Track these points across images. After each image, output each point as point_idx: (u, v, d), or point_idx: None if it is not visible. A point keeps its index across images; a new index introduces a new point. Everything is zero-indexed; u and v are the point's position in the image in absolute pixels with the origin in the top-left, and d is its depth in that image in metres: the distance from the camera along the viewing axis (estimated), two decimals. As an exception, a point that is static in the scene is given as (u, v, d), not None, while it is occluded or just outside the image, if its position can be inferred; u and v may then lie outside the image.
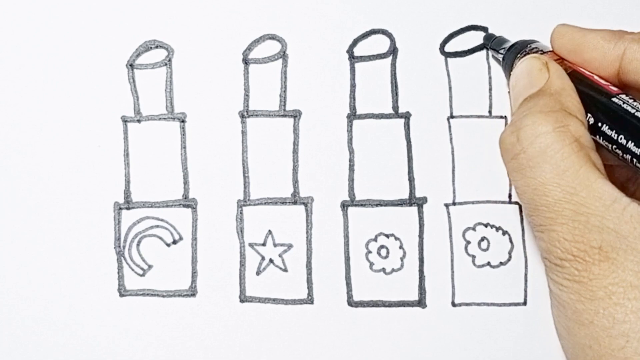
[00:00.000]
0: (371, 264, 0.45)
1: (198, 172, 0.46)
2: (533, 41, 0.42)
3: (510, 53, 0.42)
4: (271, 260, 0.45)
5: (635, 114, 0.36)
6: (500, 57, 0.44)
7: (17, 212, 0.45)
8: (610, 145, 0.36)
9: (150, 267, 0.45)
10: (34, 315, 0.45)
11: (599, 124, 0.37)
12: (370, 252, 0.45)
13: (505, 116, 0.45)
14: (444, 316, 0.44)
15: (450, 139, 0.45)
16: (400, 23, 0.46)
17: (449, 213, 0.45)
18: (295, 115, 0.46)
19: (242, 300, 0.45)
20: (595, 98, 0.37)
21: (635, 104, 0.36)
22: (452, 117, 0.45)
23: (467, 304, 0.44)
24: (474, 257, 0.45)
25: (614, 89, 0.38)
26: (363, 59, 0.46)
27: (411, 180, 0.45)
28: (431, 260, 0.45)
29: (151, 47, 0.46)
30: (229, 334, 0.45)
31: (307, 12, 0.46)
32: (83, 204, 0.45)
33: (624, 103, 0.36)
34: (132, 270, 0.45)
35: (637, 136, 0.35)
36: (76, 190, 0.45)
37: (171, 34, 0.46)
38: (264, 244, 0.45)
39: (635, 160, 0.35)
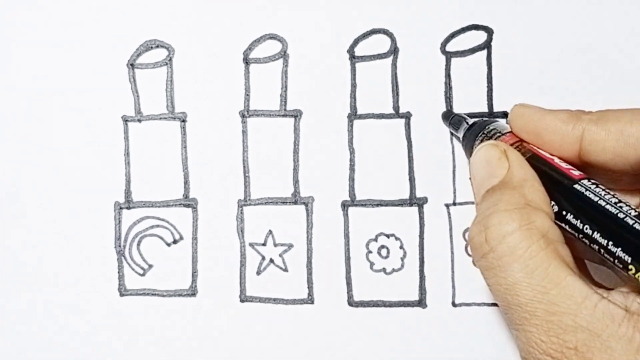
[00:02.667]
0: (371, 264, 0.45)
1: (198, 172, 0.46)
2: (492, 121, 0.41)
3: (469, 134, 0.41)
4: (271, 260, 0.45)
5: (598, 202, 0.34)
6: (459, 135, 0.42)
7: (18, 212, 0.45)
8: (577, 234, 0.35)
9: (150, 266, 0.45)
10: (34, 315, 0.45)
11: (564, 212, 0.35)
12: (370, 252, 0.45)
13: (506, 114, 0.45)
14: (444, 316, 0.44)
15: (451, 139, 0.45)
16: (401, 23, 0.46)
17: (449, 213, 0.45)
18: (296, 115, 0.46)
19: (242, 300, 0.45)
20: (557, 184, 0.36)
21: (598, 190, 0.34)
22: (452, 117, 0.45)
23: (467, 304, 0.44)
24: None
25: (576, 173, 0.36)
26: (364, 58, 0.46)
27: (412, 180, 0.45)
28: (431, 260, 0.45)
29: (152, 47, 0.46)
30: (229, 334, 0.45)
31: (308, 11, 0.46)
32: (83, 203, 0.45)
33: (586, 190, 0.35)
34: (133, 269, 0.45)
35: (602, 227, 0.33)
36: (77, 190, 0.45)
37: (172, 33, 0.46)
38: (264, 244, 0.45)
39: (602, 250, 0.33)
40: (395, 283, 0.45)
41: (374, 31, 0.46)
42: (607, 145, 0.36)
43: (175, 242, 0.46)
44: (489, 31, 0.45)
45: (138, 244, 0.46)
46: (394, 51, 0.46)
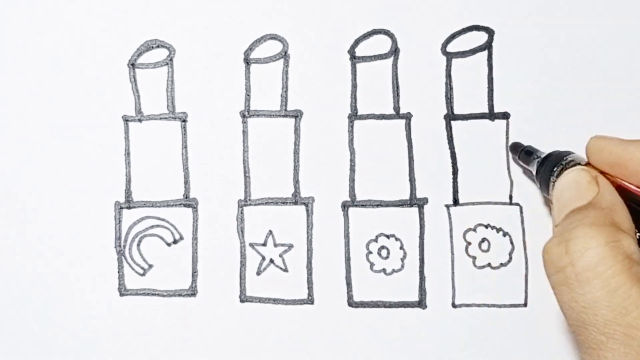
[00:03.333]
0: (372, 265, 0.45)
1: (199, 172, 0.46)
2: (568, 153, 0.40)
3: (545, 166, 0.40)
4: (272, 260, 0.45)
5: None
6: (532, 169, 0.42)
7: (18, 212, 0.45)
8: None
9: (150, 266, 0.45)
10: (34, 315, 0.45)
11: None
12: (370, 252, 0.45)
13: (507, 115, 0.45)
14: (444, 317, 0.44)
15: (451, 139, 0.45)
16: (401, 23, 0.46)
17: (449, 214, 0.45)
18: (297, 115, 0.46)
19: (242, 300, 0.45)
20: None
21: None
22: (453, 118, 0.45)
23: (467, 305, 0.44)
24: (474, 258, 0.45)
25: None
26: (364, 59, 0.46)
27: (412, 181, 0.45)
28: (432, 261, 0.45)
29: (152, 47, 0.46)
30: (229, 334, 0.45)
31: (309, 12, 0.46)
32: (84, 203, 0.45)
33: None
34: (133, 269, 0.45)
35: None
36: (77, 189, 0.45)
37: (172, 33, 0.46)
38: (264, 244, 0.45)
39: None
40: (395, 284, 0.45)
41: (374, 32, 0.46)
42: None
43: (175, 242, 0.46)
44: (490, 32, 0.45)
45: (138, 244, 0.46)
46: (394, 52, 0.46)
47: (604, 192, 0.35)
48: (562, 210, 0.36)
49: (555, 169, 0.39)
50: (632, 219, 0.35)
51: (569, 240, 0.33)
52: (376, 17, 0.46)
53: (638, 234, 0.35)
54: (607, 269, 0.32)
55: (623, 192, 0.36)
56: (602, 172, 0.37)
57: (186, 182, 0.46)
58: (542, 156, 0.41)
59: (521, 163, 0.43)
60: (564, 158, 0.39)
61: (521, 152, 0.43)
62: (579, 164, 0.38)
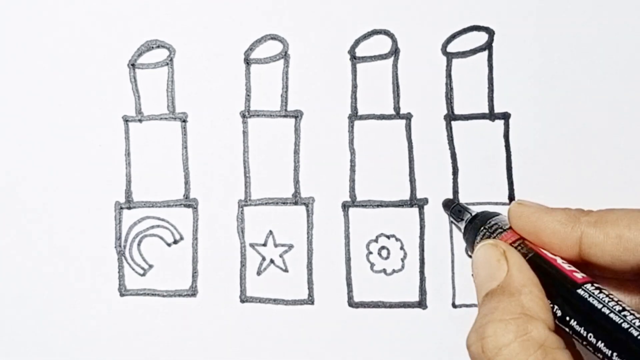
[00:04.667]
0: (372, 265, 0.45)
1: (199, 172, 0.46)
2: (494, 215, 0.40)
3: (471, 228, 0.41)
4: (272, 261, 0.45)
5: (602, 309, 0.33)
6: (460, 226, 0.42)
7: (18, 212, 0.45)
8: (580, 341, 0.34)
9: (150, 266, 0.45)
10: (34, 315, 0.45)
11: (567, 317, 0.34)
12: (371, 252, 0.45)
13: (507, 116, 0.45)
14: (445, 317, 0.44)
15: (452, 140, 0.45)
16: (402, 23, 0.46)
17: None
18: (297, 115, 0.46)
19: (242, 301, 0.45)
20: (560, 287, 0.35)
21: (602, 296, 0.34)
22: (453, 118, 0.45)
23: (467, 306, 0.44)
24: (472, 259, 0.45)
25: (579, 276, 0.35)
26: (365, 59, 0.46)
27: (412, 181, 0.45)
28: (432, 261, 0.45)
29: (153, 47, 0.46)
30: (230, 334, 0.45)
31: (309, 12, 0.46)
32: (84, 203, 0.45)
33: (589, 296, 0.34)
34: (133, 269, 0.45)
35: (606, 336, 0.32)
36: (77, 190, 0.45)
37: (173, 33, 0.46)
38: (264, 244, 0.45)
39: None
40: (395, 284, 0.45)
41: (374, 32, 0.46)
42: (606, 249, 0.35)
43: (175, 242, 0.46)
44: (490, 32, 0.45)
45: (138, 244, 0.46)
46: (394, 52, 0.46)
47: (513, 272, 0.36)
48: (479, 290, 0.37)
49: (479, 232, 0.40)
50: (551, 294, 0.35)
51: (484, 338, 0.34)
52: (376, 17, 0.46)
53: (556, 309, 0.35)
54: None
55: (540, 262, 0.36)
56: (521, 238, 0.38)
57: (186, 183, 0.46)
58: (472, 215, 0.42)
59: (452, 220, 0.44)
60: (488, 222, 0.40)
61: (452, 209, 0.43)
62: (502, 228, 0.39)
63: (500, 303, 0.35)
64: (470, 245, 0.41)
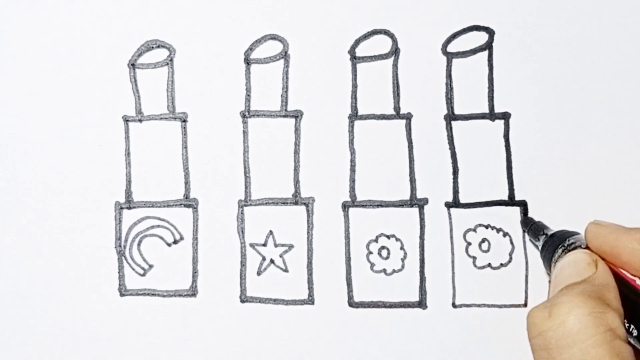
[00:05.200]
0: (372, 265, 0.45)
1: (199, 172, 0.46)
2: (572, 233, 0.40)
3: (549, 245, 0.41)
4: (272, 261, 0.45)
5: None
6: (538, 244, 0.42)
7: (18, 212, 0.45)
8: None
9: (151, 266, 0.45)
10: (34, 315, 0.45)
11: None
12: (371, 252, 0.45)
13: (507, 116, 0.45)
14: (445, 317, 0.44)
15: (452, 140, 0.45)
16: (402, 23, 0.46)
17: (449, 214, 0.45)
18: (297, 115, 0.46)
19: (242, 301, 0.45)
20: (637, 308, 0.34)
21: None
22: (453, 118, 0.45)
23: (467, 305, 0.44)
24: (474, 258, 0.45)
25: None
26: (365, 59, 0.46)
27: (412, 181, 0.45)
28: (432, 261, 0.45)
29: (153, 47, 0.46)
30: (230, 334, 0.45)
31: (309, 12, 0.46)
32: (84, 203, 0.45)
33: None
34: (133, 269, 0.45)
35: None
36: (77, 190, 0.45)
37: (173, 33, 0.46)
38: (264, 244, 0.45)
39: None
40: (395, 284, 0.45)
41: (375, 32, 0.46)
42: None
43: (175, 242, 0.46)
44: (490, 32, 0.45)
45: (138, 244, 0.46)
46: (395, 52, 0.46)
47: (601, 273, 0.35)
48: (557, 286, 0.36)
49: (558, 249, 0.39)
50: (628, 312, 0.34)
51: (554, 305, 0.32)
52: (376, 17, 0.46)
53: (632, 328, 0.34)
54: (588, 338, 0.31)
55: (618, 279, 0.36)
56: (600, 257, 0.37)
57: (186, 183, 0.46)
58: (549, 234, 0.41)
59: (530, 238, 0.44)
60: (567, 239, 0.40)
61: (530, 227, 0.43)
62: (581, 246, 0.39)
63: (581, 286, 0.33)
64: (548, 262, 0.40)
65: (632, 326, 0.34)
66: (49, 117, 0.46)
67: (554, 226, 0.43)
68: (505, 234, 0.45)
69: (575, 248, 0.39)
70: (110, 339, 0.45)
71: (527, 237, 0.44)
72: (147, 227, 0.46)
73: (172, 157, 0.46)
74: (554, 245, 0.40)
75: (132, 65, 0.46)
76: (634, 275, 0.36)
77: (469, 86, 0.45)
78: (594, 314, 0.32)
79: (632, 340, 0.34)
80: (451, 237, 0.45)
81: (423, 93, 0.45)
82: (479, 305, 0.44)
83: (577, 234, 0.40)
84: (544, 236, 0.42)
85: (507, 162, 0.45)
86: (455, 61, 0.45)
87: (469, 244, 0.45)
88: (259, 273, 0.45)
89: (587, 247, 0.38)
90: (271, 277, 0.45)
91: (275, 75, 0.46)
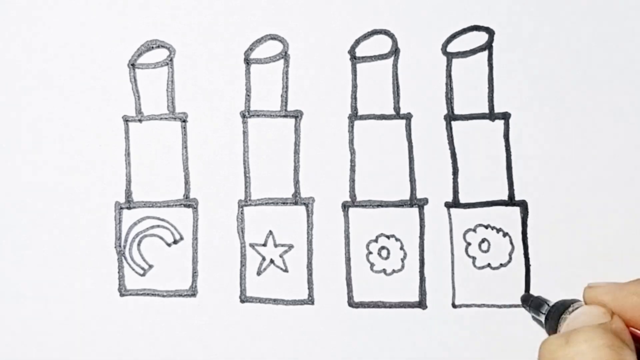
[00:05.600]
0: (372, 265, 0.45)
1: (199, 172, 0.46)
2: (573, 301, 0.40)
3: (554, 311, 0.40)
4: (272, 261, 0.45)
5: None
6: (541, 317, 0.42)
7: (18, 212, 0.45)
8: None
9: (150, 266, 0.45)
10: (34, 315, 0.45)
11: None
12: (370, 253, 0.45)
13: (507, 116, 0.45)
14: (445, 317, 0.44)
15: (452, 140, 0.45)
16: (402, 23, 0.46)
17: (449, 214, 0.45)
18: (297, 115, 0.46)
19: (242, 301, 0.45)
20: None
21: None
22: (453, 118, 0.45)
23: (467, 306, 0.44)
24: (474, 258, 0.45)
25: None
26: (365, 59, 0.46)
27: (412, 181, 0.45)
28: (432, 261, 0.45)
29: (153, 47, 0.46)
30: (229, 334, 0.45)
31: (309, 12, 0.46)
32: (84, 203, 0.45)
33: None
34: (133, 269, 0.45)
35: None
36: (77, 190, 0.45)
37: (173, 33, 0.46)
38: (264, 244, 0.45)
39: None
40: (395, 284, 0.45)
41: (375, 32, 0.46)
42: None
43: (175, 242, 0.46)
44: (490, 32, 0.45)
45: (138, 244, 0.46)
46: (394, 52, 0.46)
47: (616, 321, 0.34)
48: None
49: (564, 315, 0.39)
50: None
51: (572, 333, 0.32)
52: (376, 17, 0.46)
53: None
54: None
55: (634, 338, 0.35)
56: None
57: (186, 183, 0.46)
58: (550, 304, 0.41)
59: (532, 314, 0.43)
60: (571, 305, 0.39)
61: (531, 303, 0.43)
62: None
63: (600, 326, 0.33)
64: (553, 329, 0.40)
65: None
66: (49, 117, 0.46)
67: (552, 227, 0.43)
68: (505, 234, 0.45)
69: None
70: (110, 339, 0.45)
71: (527, 237, 0.44)
72: (147, 227, 0.46)
73: (172, 157, 0.46)
74: (559, 312, 0.40)
75: (132, 65, 0.46)
76: None
77: (469, 86, 0.45)
78: (612, 347, 0.31)
79: None
80: (451, 237, 0.45)
81: (423, 93, 0.45)
82: (478, 305, 0.44)
83: (577, 300, 0.40)
84: (545, 307, 0.41)
85: (507, 162, 0.45)
86: (455, 61, 0.45)
87: (469, 244, 0.45)
88: (258, 273, 0.45)
89: None
90: (271, 277, 0.45)
91: (275, 75, 0.46)
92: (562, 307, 0.40)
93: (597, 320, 0.35)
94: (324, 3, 0.46)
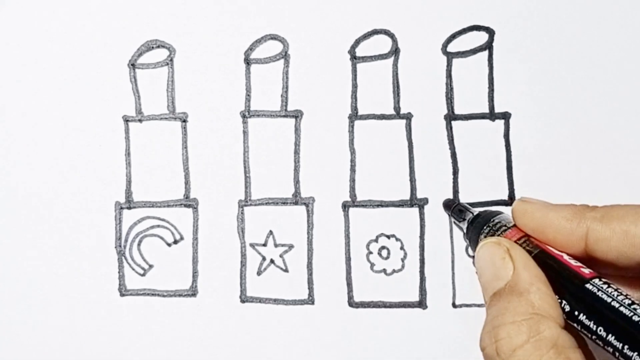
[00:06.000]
0: (372, 265, 0.45)
1: (199, 172, 0.46)
2: (497, 213, 0.40)
3: (473, 227, 0.41)
4: (272, 261, 0.45)
5: (611, 303, 0.33)
6: (462, 227, 0.42)
7: (18, 212, 0.45)
8: (590, 335, 0.34)
9: (151, 266, 0.45)
10: (34, 315, 0.45)
11: (575, 313, 0.35)
12: (371, 252, 0.45)
13: (507, 115, 0.45)
14: (445, 317, 0.44)
15: (452, 140, 0.45)
16: (402, 23, 0.46)
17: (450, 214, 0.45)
18: (297, 115, 0.46)
19: (242, 301, 0.45)
20: (567, 283, 0.35)
21: (610, 290, 0.34)
22: (453, 118, 0.45)
23: (467, 305, 0.44)
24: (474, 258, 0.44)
25: (587, 271, 0.35)
26: (365, 59, 0.46)
27: (412, 181, 0.45)
28: (432, 261, 0.45)
29: (153, 47, 0.46)
30: (230, 334, 0.45)
31: (309, 12, 0.46)
32: (84, 203, 0.45)
33: (598, 290, 0.34)
34: (133, 269, 0.45)
35: (616, 329, 0.33)
36: (77, 190, 0.45)
37: (173, 33, 0.46)
38: (264, 244, 0.45)
39: (617, 353, 0.33)
40: (395, 284, 0.45)
41: (375, 32, 0.46)
42: (612, 244, 0.35)
43: (175, 242, 0.46)
44: (490, 32, 0.45)
45: (138, 244, 0.46)
46: (395, 52, 0.46)
47: (519, 270, 0.36)
48: (486, 290, 0.37)
49: (484, 230, 0.40)
50: (558, 290, 0.35)
51: (497, 340, 0.34)
52: (376, 17, 0.46)
53: (564, 304, 0.35)
54: None
55: (547, 258, 0.36)
56: (526, 235, 0.38)
57: (186, 183, 0.46)
58: (472, 216, 0.41)
59: (454, 221, 0.44)
60: (491, 220, 0.40)
61: (453, 209, 0.43)
62: (506, 226, 0.39)
63: (510, 303, 0.35)
64: (474, 245, 0.40)
65: (564, 302, 0.35)
66: (49, 117, 0.46)
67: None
68: (505, 234, 0.44)
69: (500, 228, 0.39)
70: (110, 339, 0.45)
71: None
72: (147, 227, 0.46)
73: (172, 157, 0.46)
74: (478, 227, 0.40)
75: (132, 65, 0.46)
76: (561, 252, 0.37)
77: (469, 86, 0.45)
78: (532, 340, 0.33)
79: (567, 319, 0.35)
80: (451, 237, 0.45)
81: (423, 93, 0.45)
82: (479, 306, 0.44)
83: (501, 213, 0.40)
84: (469, 216, 0.42)
85: (507, 162, 0.45)
86: (455, 61, 0.45)
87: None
88: (259, 273, 0.45)
89: (514, 226, 0.39)
90: (271, 277, 0.45)
91: (275, 75, 0.46)
92: (484, 221, 0.40)
93: (501, 276, 0.36)
94: (324, 3, 0.46)
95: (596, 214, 0.36)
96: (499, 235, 0.39)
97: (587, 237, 0.36)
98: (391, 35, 0.46)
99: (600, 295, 0.34)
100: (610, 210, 0.36)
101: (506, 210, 0.44)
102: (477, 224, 0.40)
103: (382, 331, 0.44)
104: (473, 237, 0.41)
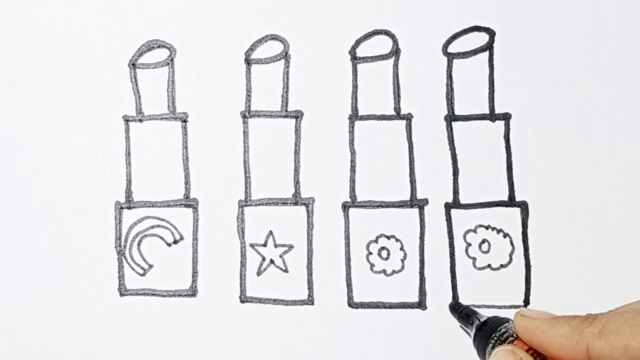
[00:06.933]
0: (372, 266, 0.45)
1: (199, 172, 0.46)
2: (504, 321, 0.41)
3: (481, 334, 0.41)
4: (272, 261, 0.45)
5: None
6: (470, 332, 0.42)
7: (18, 211, 0.45)
8: None
9: (150, 266, 0.45)
10: (34, 315, 0.45)
11: None
12: (371, 253, 0.45)
13: (508, 116, 0.45)
14: (445, 317, 0.44)
15: (452, 140, 0.45)
16: (402, 24, 0.46)
17: (449, 215, 0.45)
18: (297, 115, 0.46)
19: (242, 301, 0.45)
20: None
21: None
22: (453, 118, 0.45)
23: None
24: (474, 259, 0.45)
25: None
26: (365, 60, 0.46)
27: (412, 181, 0.45)
28: (432, 262, 0.45)
29: (153, 47, 0.46)
30: (229, 334, 0.45)
31: (310, 12, 0.46)
32: (84, 203, 0.45)
33: None
34: (133, 269, 0.45)
35: None
36: (77, 189, 0.45)
37: (173, 33, 0.46)
38: (264, 245, 0.45)
39: None
40: (395, 284, 0.45)
41: (375, 32, 0.46)
42: None
43: (175, 242, 0.46)
44: (491, 33, 0.45)
45: (138, 244, 0.46)
46: (395, 52, 0.46)
47: None
48: None
49: (491, 340, 0.40)
50: None
51: None
52: (377, 18, 0.46)
53: None
54: None
55: None
56: (530, 348, 0.38)
57: (187, 183, 0.46)
58: (481, 321, 0.41)
59: (461, 325, 0.44)
60: (499, 329, 0.40)
61: (460, 313, 0.43)
62: (513, 336, 0.39)
63: None
64: (482, 352, 0.41)
65: None
66: (49, 117, 0.46)
67: (553, 228, 0.43)
68: (505, 235, 0.45)
69: (507, 338, 0.39)
70: (110, 339, 0.45)
71: (528, 238, 0.44)
72: (147, 227, 0.46)
73: (172, 157, 0.46)
74: (487, 335, 0.40)
75: (133, 65, 0.46)
76: None
77: (470, 87, 0.45)
78: None
79: None
80: (451, 237, 0.45)
81: (423, 94, 0.45)
82: (479, 306, 0.44)
83: (508, 320, 0.40)
84: (476, 322, 0.42)
85: (508, 163, 0.45)
86: (455, 62, 0.45)
87: (469, 244, 0.45)
88: (258, 273, 0.45)
89: (517, 337, 0.39)
90: (271, 277, 0.45)
91: (275, 76, 0.46)
92: (490, 330, 0.40)
93: None
94: (324, 3, 0.46)
95: (594, 329, 0.36)
96: (508, 344, 0.39)
97: (589, 354, 0.36)
98: (392, 36, 0.46)
99: None
100: (607, 324, 0.36)
101: (506, 211, 0.45)
102: (485, 332, 0.40)
103: (382, 332, 0.44)
104: (481, 345, 0.41)
